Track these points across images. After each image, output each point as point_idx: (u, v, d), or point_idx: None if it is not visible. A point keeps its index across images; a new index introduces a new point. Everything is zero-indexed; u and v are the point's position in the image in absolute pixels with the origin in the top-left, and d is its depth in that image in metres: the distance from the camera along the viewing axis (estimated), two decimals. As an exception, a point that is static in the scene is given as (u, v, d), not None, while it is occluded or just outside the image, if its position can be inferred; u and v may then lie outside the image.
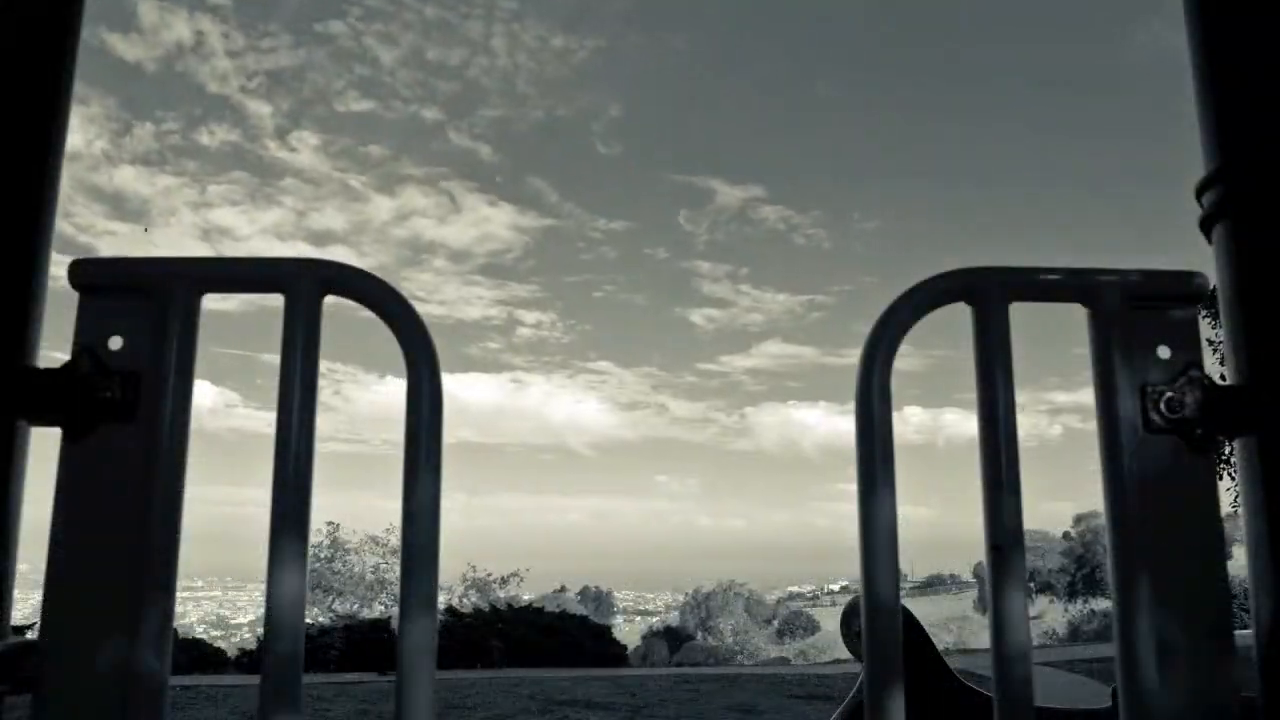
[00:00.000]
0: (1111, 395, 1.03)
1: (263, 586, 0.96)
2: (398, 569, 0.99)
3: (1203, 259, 1.12)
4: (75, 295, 1.03)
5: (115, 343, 1.01)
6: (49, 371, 1.00)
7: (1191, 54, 1.15)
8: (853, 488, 1.04)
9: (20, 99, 1.05)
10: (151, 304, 1.02)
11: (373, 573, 29.11)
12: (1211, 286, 1.09)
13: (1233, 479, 1.26)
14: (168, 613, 0.96)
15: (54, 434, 1.00)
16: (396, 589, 1.06)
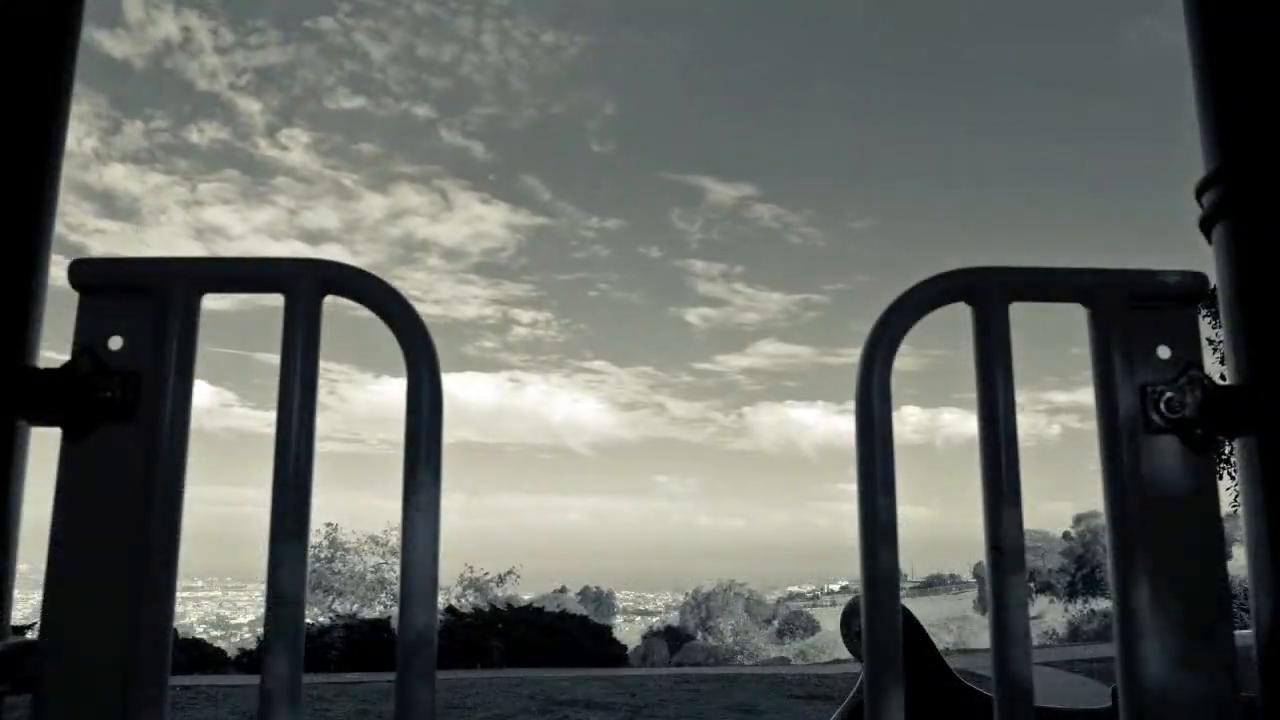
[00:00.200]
0: (1111, 395, 1.03)
1: (263, 586, 0.96)
2: (398, 569, 0.99)
3: (1203, 259, 1.12)
4: (75, 295, 1.03)
5: (115, 343, 1.01)
6: (49, 371, 1.00)
7: (1191, 54, 1.15)
8: (852, 488, 1.04)
9: (20, 99, 1.05)
10: (151, 304, 1.02)
11: (372, 573, 29.11)
12: (1211, 286, 1.09)
13: (1233, 479, 1.26)
14: (168, 613, 0.96)
15: (54, 434, 1.00)
16: (396, 589, 1.06)
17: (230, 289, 1.06)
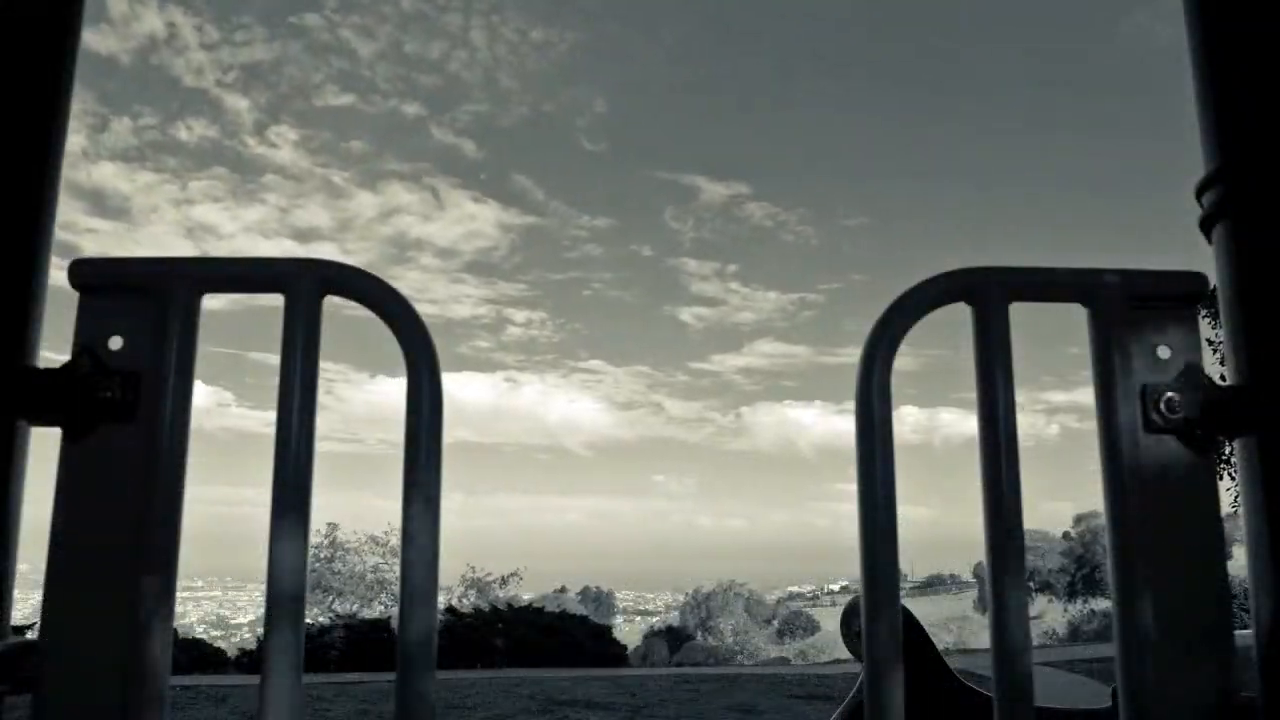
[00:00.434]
0: (1111, 395, 1.03)
1: (263, 586, 0.96)
2: (397, 569, 0.99)
3: (1203, 259, 1.12)
4: (75, 295, 1.03)
5: (115, 343, 1.01)
6: (49, 371, 1.00)
7: (1191, 54, 1.15)
8: (851, 487, 1.04)
9: (20, 99, 1.05)
10: (151, 304, 1.02)
11: (372, 573, 29.11)
12: (1211, 286, 1.09)
13: (1233, 479, 1.26)
14: (168, 612, 0.96)
15: (54, 434, 1.00)
16: (396, 589, 1.06)
17: (230, 289, 1.06)
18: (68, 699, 0.94)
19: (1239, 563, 1.21)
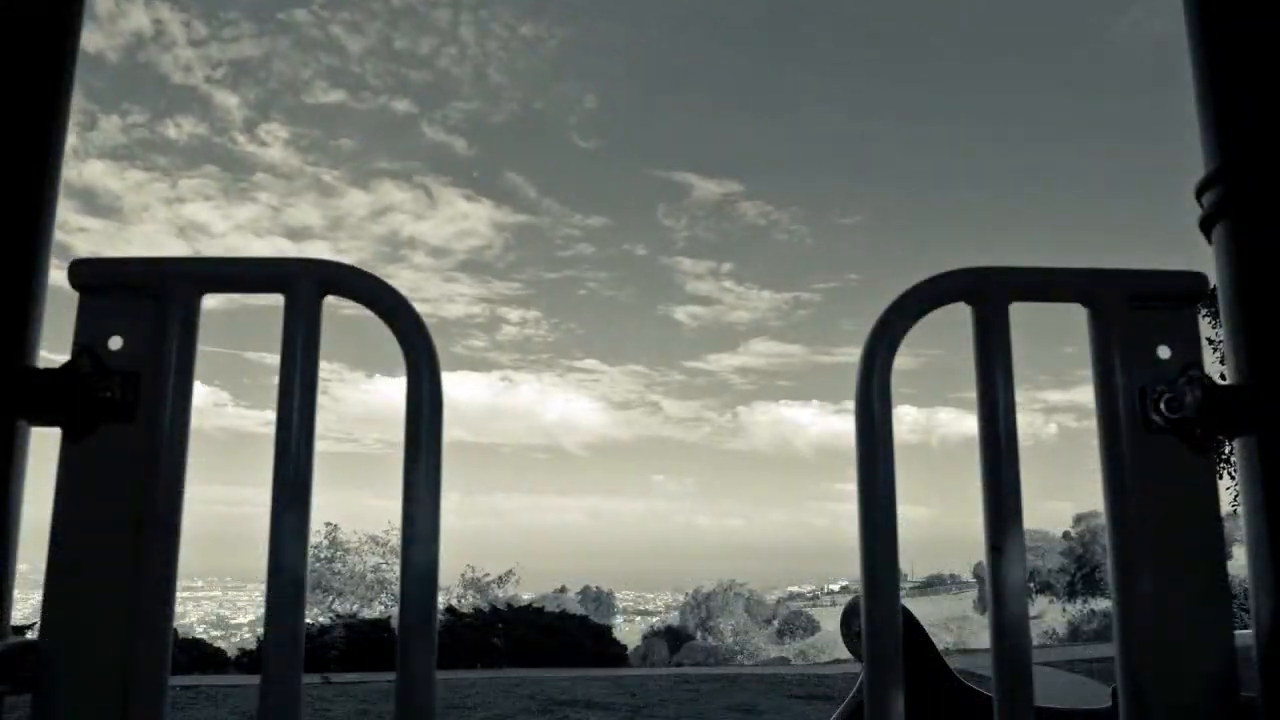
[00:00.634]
0: (1111, 395, 1.03)
1: (263, 586, 0.96)
2: (397, 569, 0.99)
3: (1203, 259, 1.12)
4: (75, 295, 1.03)
5: (115, 343, 1.01)
6: (49, 371, 1.00)
7: (1191, 54, 1.15)
8: (850, 487, 1.04)
9: (20, 99, 1.05)
10: (151, 304, 1.02)
11: (372, 573, 29.13)
12: (1211, 286, 1.09)
13: (1233, 479, 1.26)
14: (168, 613, 0.96)
15: (54, 434, 1.00)
16: (396, 589, 1.06)
17: (230, 289, 1.06)
18: (68, 699, 0.94)
19: (1239, 563, 1.21)
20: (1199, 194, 1.12)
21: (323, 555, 28.69)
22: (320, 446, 1.01)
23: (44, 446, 1.01)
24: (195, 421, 1.02)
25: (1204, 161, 1.12)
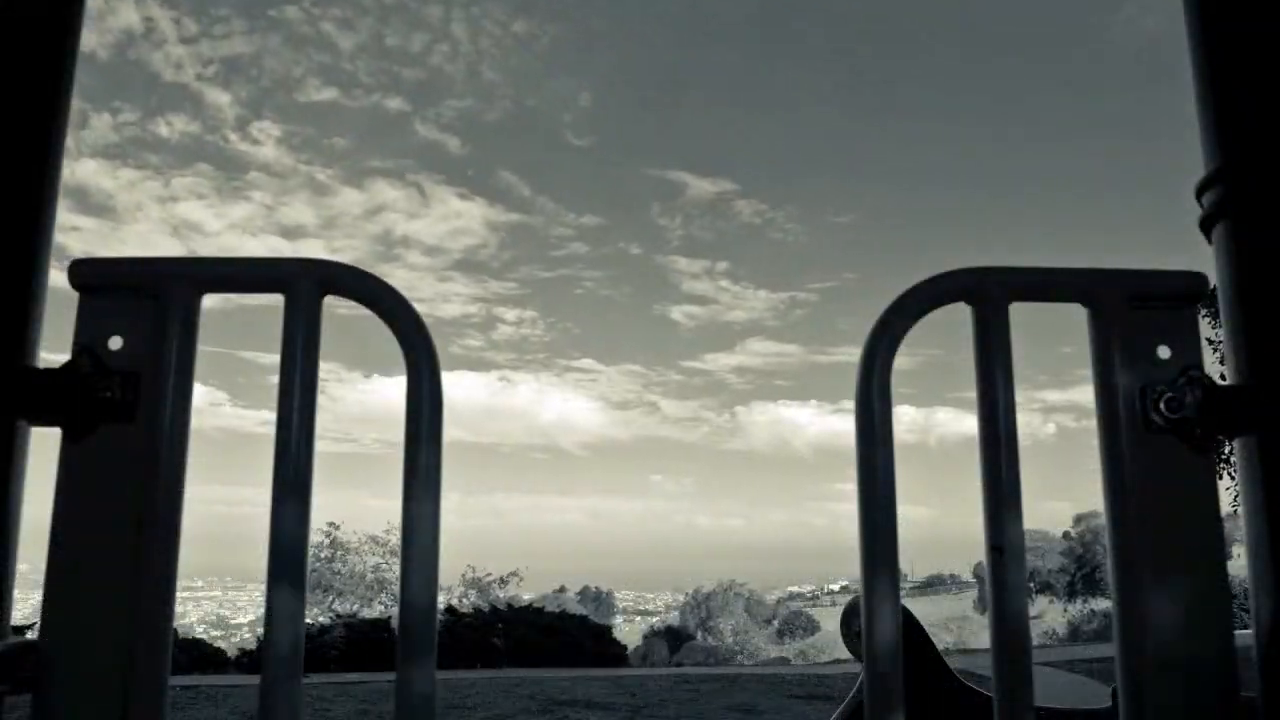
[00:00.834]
0: (1111, 395, 1.03)
1: (262, 586, 0.96)
2: (398, 569, 0.99)
3: (1203, 259, 1.12)
4: (75, 295, 1.03)
5: (115, 343, 1.01)
6: (49, 371, 1.00)
7: (1191, 54, 1.15)
8: (848, 487, 1.04)
9: (20, 99, 1.05)
10: (151, 304, 1.02)
11: (373, 573, 29.12)
12: (1211, 286, 1.09)
13: (1233, 479, 1.26)
14: (168, 613, 0.96)
15: (54, 434, 1.00)
16: (396, 589, 1.06)
17: (230, 289, 1.06)
18: (68, 699, 0.94)
19: (1239, 563, 1.21)
20: (1199, 194, 1.12)
21: (323, 555, 28.67)
22: (318, 446, 1.01)
23: (44, 446, 1.01)
24: (193, 422, 1.02)
25: (1204, 161, 1.12)
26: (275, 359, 1.01)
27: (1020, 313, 1.06)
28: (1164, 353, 1.05)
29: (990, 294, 1.05)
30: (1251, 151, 1.07)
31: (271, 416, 1.00)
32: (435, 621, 0.99)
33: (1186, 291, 1.06)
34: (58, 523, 0.98)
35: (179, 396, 1.00)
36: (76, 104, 1.11)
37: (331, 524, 29.32)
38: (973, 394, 1.05)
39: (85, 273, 1.03)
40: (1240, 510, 1.07)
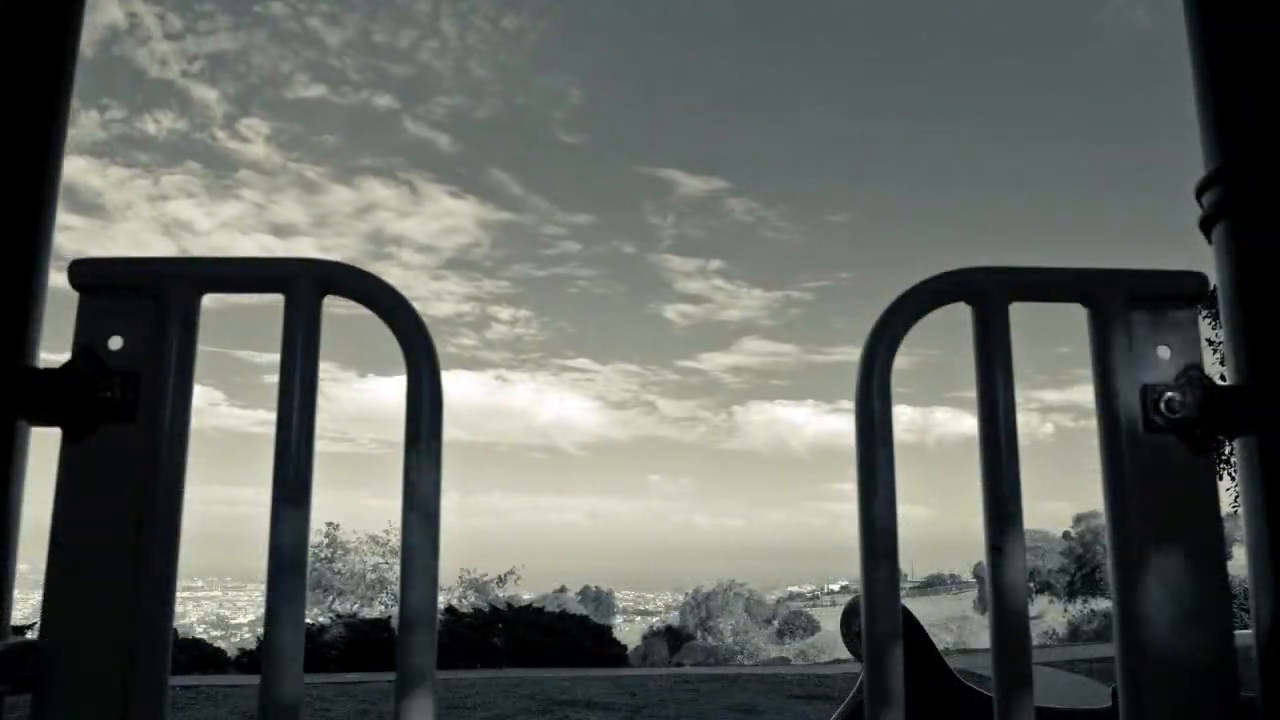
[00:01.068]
0: (1111, 395, 1.03)
1: (262, 586, 0.96)
2: (398, 568, 0.99)
3: (1203, 259, 1.12)
4: (75, 295, 1.03)
5: (115, 343, 1.01)
6: (49, 371, 1.00)
7: (1191, 54, 1.15)
8: (847, 487, 1.04)
9: (20, 99, 1.05)
10: (151, 304, 1.02)
11: (372, 572, 29.12)
12: (1211, 286, 1.09)
13: (1233, 479, 1.26)
14: (168, 613, 0.96)
15: (54, 434, 1.00)
16: (396, 589, 1.06)
17: (230, 289, 1.06)
18: (68, 699, 0.94)
19: (1239, 563, 1.21)
20: (1199, 194, 1.12)
21: (323, 555, 28.67)
22: (318, 446, 1.01)
23: (44, 446, 1.01)
24: (193, 421, 1.02)
25: (1204, 161, 1.12)
26: (271, 358, 1.01)
27: (1019, 312, 1.06)
28: (1164, 353, 1.05)
29: (990, 294, 1.05)
30: (1251, 151, 1.07)
31: (269, 416, 1.00)
32: (435, 622, 0.99)
33: (1187, 292, 1.06)
34: (58, 523, 0.98)
35: (179, 396, 1.00)
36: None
37: (331, 524, 29.32)
38: (971, 394, 1.05)
39: (85, 273, 1.03)
40: (1240, 510, 1.07)
